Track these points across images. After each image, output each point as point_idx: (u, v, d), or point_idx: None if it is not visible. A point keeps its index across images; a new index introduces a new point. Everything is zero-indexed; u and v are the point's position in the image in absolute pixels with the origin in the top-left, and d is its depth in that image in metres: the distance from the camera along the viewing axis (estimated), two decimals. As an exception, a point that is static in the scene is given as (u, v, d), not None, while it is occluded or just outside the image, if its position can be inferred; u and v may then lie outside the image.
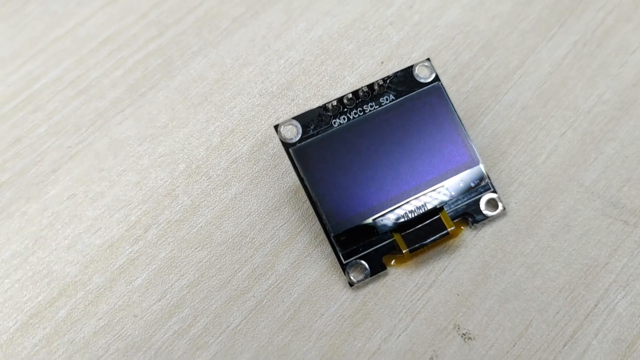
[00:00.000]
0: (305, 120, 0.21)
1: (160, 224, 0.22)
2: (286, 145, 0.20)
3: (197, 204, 0.22)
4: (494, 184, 0.22)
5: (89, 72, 0.25)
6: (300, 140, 0.20)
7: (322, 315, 0.20)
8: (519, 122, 0.23)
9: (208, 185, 0.22)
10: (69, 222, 0.22)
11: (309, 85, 0.24)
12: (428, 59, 0.21)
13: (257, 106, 0.24)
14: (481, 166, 0.21)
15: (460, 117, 0.21)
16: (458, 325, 0.20)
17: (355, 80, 0.24)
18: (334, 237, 0.20)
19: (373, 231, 0.20)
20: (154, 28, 0.25)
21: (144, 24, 0.25)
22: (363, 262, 0.20)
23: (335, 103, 0.21)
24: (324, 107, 0.21)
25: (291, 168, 0.21)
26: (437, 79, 0.21)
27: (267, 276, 0.21)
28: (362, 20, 0.25)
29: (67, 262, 0.21)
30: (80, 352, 0.20)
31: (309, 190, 0.20)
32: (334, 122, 0.21)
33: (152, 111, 0.24)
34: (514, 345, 0.19)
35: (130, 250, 0.21)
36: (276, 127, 0.21)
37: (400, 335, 0.20)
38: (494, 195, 0.21)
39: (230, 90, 0.24)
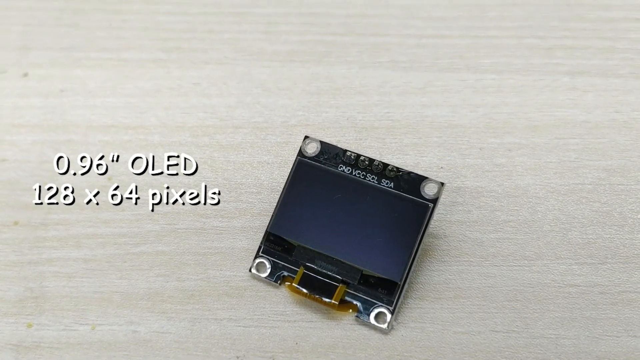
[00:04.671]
0: (326, 149, 0.24)
1: (212, 139, 0.28)
2: (300, 153, 0.24)
3: (242, 147, 0.28)
4: (401, 309, 0.23)
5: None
6: (309, 158, 0.24)
7: (220, 270, 0.25)
8: (475, 293, 0.23)
9: (260, 143, 0.28)
10: (181, 95, 0.29)
11: (379, 139, 0.27)
12: (443, 184, 0.23)
13: (338, 123, 0.27)
14: (398, 286, 0.22)
15: (422, 243, 0.23)
16: (273, 359, 0.22)
17: (411, 162, 0.26)
18: (268, 232, 0.24)
19: (291, 252, 0.23)
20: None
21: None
22: (269, 266, 0.24)
23: (352, 155, 0.24)
24: (343, 151, 0.24)
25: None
26: (433, 202, 0.23)
27: (222, 220, 0.25)
28: (467, 129, 0.27)
29: (151, 113, 0.28)
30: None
31: (282, 193, 0.24)
32: (340, 167, 0.24)
33: (288, 76, 0.29)
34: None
35: (184, 137, 0.28)
36: (306, 137, 0.24)
37: (240, 326, 0.23)
38: (388, 314, 0.22)
39: (337, 100, 0.28)
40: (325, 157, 0.25)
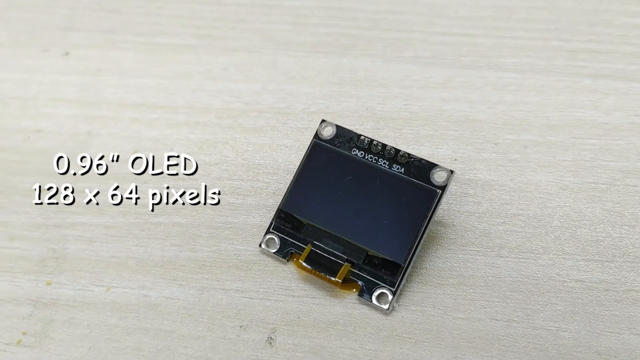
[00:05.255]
0: (341, 133, 0.25)
1: (236, 121, 0.29)
2: (315, 136, 0.25)
3: (263, 130, 0.29)
4: (403, 292, 0.23)
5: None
6: (324, 141, 0.25)
7: (231, 244, 0.25)
8: (478, 282, 0.23)
9: (281, 127, 0.28)
10: (209, 79, 0.30)
11: (396, 129, 0.28)
12: (452, 171, 0.23)
13: (357, 113, 0.28)
14: (402, 267, 0.22)
15: (428, 228, 0.23)
16: (275, 330, 0.23)
17: (425, 153, 0.26)
18: (279, 209, 0.24)
19: (300, 229, 0.24)
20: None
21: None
22: (279, 242, 0.24)
23: (366, 140, 0.24)
24: (358, 136, 0.24)
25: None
26: (442, 189, 0.23)
27: (238, 197, 0.26)
28: (484, 125, 0.27)
29: (179, 95, 0.29)
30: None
31: (296, 173, 0.24)
32: (353, 150, 0.24)
33: (312, 66, 0.30)
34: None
35: (209, 119, 0.29)
36: (323, 120, 0.25)
37: (246, 298, 0.24)
38: (389, 295, 0.23)
39: (358, 90, 0.29)
40: (340, 140, 0.25)
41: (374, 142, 0.25)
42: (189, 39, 0.32)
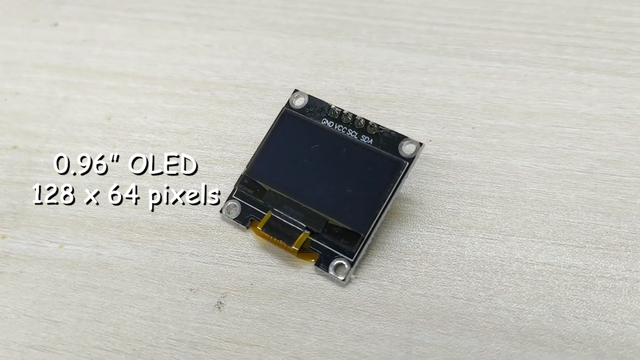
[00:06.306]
0: (313, 103, 0.24)
1: (213, 94, 0.28)
2: (287, 105, 0.24)
3: (239, 103, 0.28)
4: (363, 265, 0.22)
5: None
6: (295, 110, 0.24)
7: (193, 209, 0.24)
8: (441, 259, 0.22)
9: (257, 102, 0.28)
10: (192, 54, 0.29)
11: (372, 109, 0.27)
12: (421, 144, 0.22)
13: (335, 92, 0.27)
14: (361, 238, 0.21)
15: (393, 202, 0.22)
16: (225, 295, 0.22)
17: (402, 132, 0.25)
18: (243, 175, 0.23)
19: (262, 196, 0.23)
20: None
21: None
22: (240, 209, 0.23)
23: (337, 110, 0.23)
24: (329, 106, 0.23)
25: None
26: (409, 161, 0.22)
27: (205, 165, 0.25)
28: (463, 109, 0.26)
29: (160, 67, 0.29)
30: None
31: (263, 140, 0.24)
32: (323, 120, 0.23)
33: (296, 47, 0.29)
34: (226, 342, 0.21)
35: (186, 90, 0.28)
36: (295, 90, 0.24)
37: (200, 262, 0.23)
38: (347, 266, 0.21)
39: (339, 71, 0.28)
40: (311, 110, 0.24)
41: (345, 112, 0.24)
42: (178, 16, 0.32)
